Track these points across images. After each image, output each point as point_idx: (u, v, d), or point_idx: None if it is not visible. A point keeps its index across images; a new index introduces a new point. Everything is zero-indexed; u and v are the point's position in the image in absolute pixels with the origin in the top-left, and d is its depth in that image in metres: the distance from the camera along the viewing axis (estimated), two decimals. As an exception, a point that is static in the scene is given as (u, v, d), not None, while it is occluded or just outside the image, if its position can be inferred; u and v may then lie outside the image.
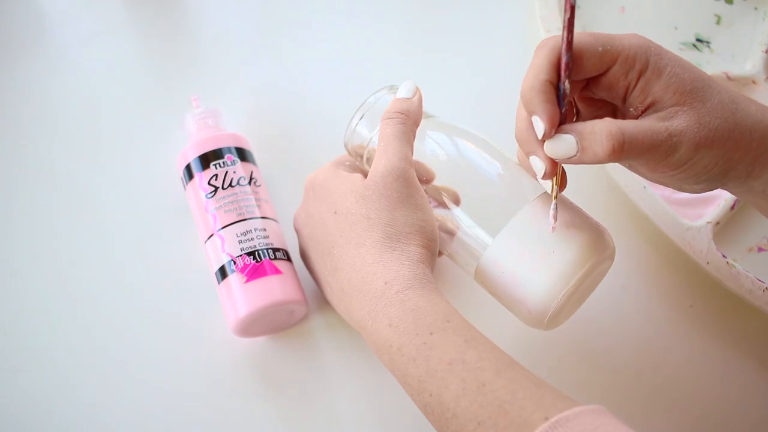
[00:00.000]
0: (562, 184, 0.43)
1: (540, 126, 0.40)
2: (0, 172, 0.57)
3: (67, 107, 0.60)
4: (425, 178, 0.48)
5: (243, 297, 0.48)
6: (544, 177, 0.41)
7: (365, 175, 0.48)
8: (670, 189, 0.54)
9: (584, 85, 0.42)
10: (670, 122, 0.39)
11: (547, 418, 0.35)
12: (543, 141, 0.41)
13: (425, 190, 0.47)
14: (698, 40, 0.65)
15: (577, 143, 0.39)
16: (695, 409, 0.52)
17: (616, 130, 0.38)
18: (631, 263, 0.56)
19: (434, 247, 0.46)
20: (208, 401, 0.50)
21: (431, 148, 0.48)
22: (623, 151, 0.38)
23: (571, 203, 0.46)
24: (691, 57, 0.64)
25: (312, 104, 0.61)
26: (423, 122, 0.49)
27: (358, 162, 0.51)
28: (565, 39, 0.39)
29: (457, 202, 0.47)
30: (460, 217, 0.46)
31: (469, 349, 0.39)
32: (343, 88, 0.62)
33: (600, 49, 0.40)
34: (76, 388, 0.50)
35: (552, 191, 0.43)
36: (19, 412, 0.49)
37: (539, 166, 0.41)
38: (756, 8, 0.65)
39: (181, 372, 0.51)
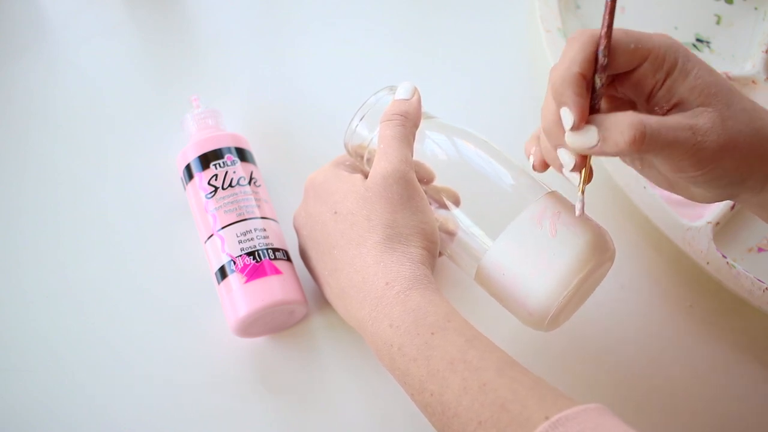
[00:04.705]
0: (588, 177, 0.42)
1: (569, 117, 0.39)
2: (0, 171, 0.57)
3: (67, 107, 0.60)
4: (425, 179, 0.48)
5: (243, 297, 0.48)
6: (573, 170, 0.41)
7: (365, 175, 0.48)
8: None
9: (609, 82, 0.42)
10: (695, 120, 0.39)
11: (547, 417, 0.35)
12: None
13: (425, 191, 0.47)
14: (698, 40, 0.65)
15: (599, 134, 0.39)
16: (695, 409, 0.52)
17: (638, 122, 0.37)
18: (630, 263, 0.56)
19: (435, 249, 0.46)
20: (208, 401, 0.50)
21: (431, 148, 0.48)
22: (644, 143, 0.37)
23: (572, 204, 0.46)
24: (690, 57, 0.64)
25: (312, 104, 0.61)
26: (422, 123, 0.49)
27: (359, 162, 0.51)
28: (605, 25, 0.39)
29: (457, 203, 0.47)
30: (460, 218, 0.46)
31: (471, 349, 0.39)
32: (343, 88, 0.62)
33: (632, 46, 0.40)
34: (77, 387, 0.50)
35: (579, 184, 0.42)
36: (21, 411, 0.49)
37: (567, 159, 0.41)
38: (756, 8, 0.65)
39: (181, 372, 0.51)
